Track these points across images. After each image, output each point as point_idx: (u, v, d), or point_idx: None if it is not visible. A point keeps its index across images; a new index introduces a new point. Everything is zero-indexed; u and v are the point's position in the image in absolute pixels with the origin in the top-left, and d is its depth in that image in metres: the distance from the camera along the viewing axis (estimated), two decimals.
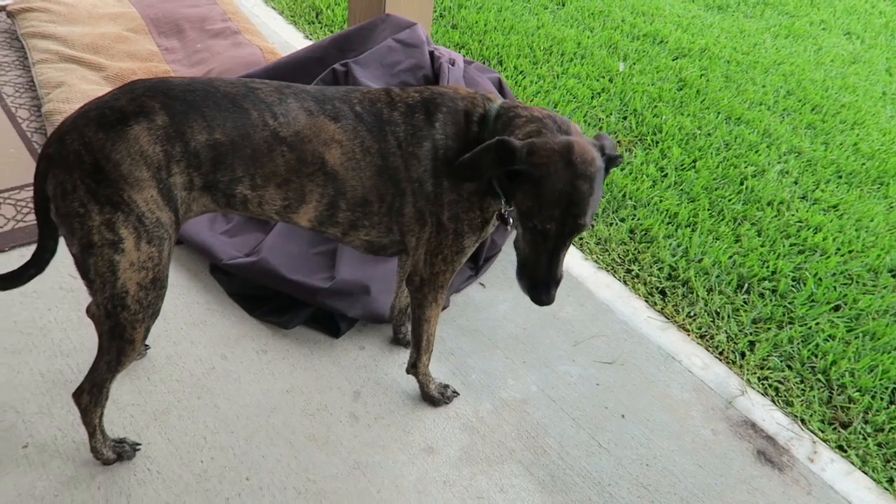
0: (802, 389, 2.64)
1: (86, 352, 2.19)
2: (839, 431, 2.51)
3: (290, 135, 1.62)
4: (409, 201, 1.77)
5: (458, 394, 2.33)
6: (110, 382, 1.74)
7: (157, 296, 1.61)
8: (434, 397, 2.27)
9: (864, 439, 2.48)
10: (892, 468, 2.41)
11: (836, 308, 3.03)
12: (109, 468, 1.89)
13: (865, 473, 2.37)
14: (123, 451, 1.91)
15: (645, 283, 3.02)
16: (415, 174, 1.73)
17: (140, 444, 1.95)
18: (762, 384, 2.64)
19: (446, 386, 2.31)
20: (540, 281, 1.62)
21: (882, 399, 2.62)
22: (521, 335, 2.64)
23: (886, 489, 2.33)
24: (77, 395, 1.74)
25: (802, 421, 2.51)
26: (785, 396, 2.60)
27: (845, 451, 2.44)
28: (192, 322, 2.41)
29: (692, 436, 2.37)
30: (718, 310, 2.93)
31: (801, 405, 2.57)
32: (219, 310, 2.49)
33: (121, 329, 1.60)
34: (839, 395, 2.63)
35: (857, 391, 2.63)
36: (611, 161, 1.62)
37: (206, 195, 1.61)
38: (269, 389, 2.22)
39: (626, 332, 2.74)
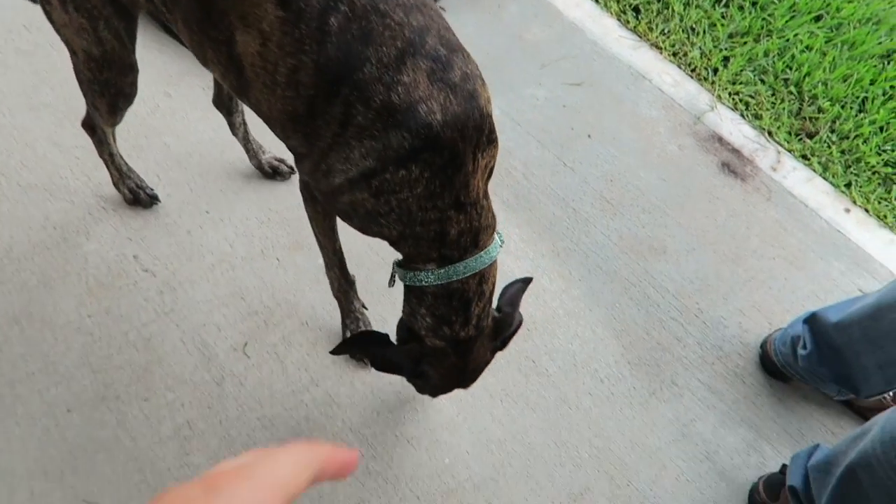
0: (773, 102, 2.58)
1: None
2: (804, 142, 2.50)
3: None
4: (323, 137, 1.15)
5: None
6: (103, 131, 1.68)
7: (115, 77, 1.47)
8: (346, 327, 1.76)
9: (829, 147, 2.48)
10: (851, 173, 2.44)
11: (818, 18, 2.86)
12: (65, 209, 1.84)
13: (825, 179, 2.41)
14: (139, 197, 1.87)
15: (618, 1, 2.79)
16: (331, 136, 1.11)
17: (159, 200, 1.89)
18: (733, 99, 2.57)
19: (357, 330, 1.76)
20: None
21: (851, 108, 2.58)
22: (485, 60, 2.48)
23: (843, 193, 2.38)
24: (84, 125, 1.71)
25: (770, 133, 2.49)
26: (755, 110, 2.55)
27: (808, 160, 2.45)
28: None
29: (658, 151, 2.35)
30: (694, 25, 2.76)
31: (770, 118, 2.52)
32: (156, 47, 2.28)
33: (85, 92, 1.52)
34: (809, 105, 2.57)
35: (829, 101, 2.58)
36: (503, 345, 1.39)
37: None
38: (219, 126, 2.10)
39: (596, 52, 2.59)
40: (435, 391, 1.41)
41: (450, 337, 1.24)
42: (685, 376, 1.88)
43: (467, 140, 1.05)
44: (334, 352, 1.28)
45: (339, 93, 1.03)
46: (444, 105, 1.02)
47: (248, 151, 1.96)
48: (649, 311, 1.98)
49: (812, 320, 1.78)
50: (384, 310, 1.83)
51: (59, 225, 1.82)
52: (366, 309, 1.78)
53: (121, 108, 1.58)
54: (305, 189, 1.39)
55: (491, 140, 1.11)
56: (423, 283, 1.19)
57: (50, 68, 2.07)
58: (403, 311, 1.30)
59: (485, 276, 1.21)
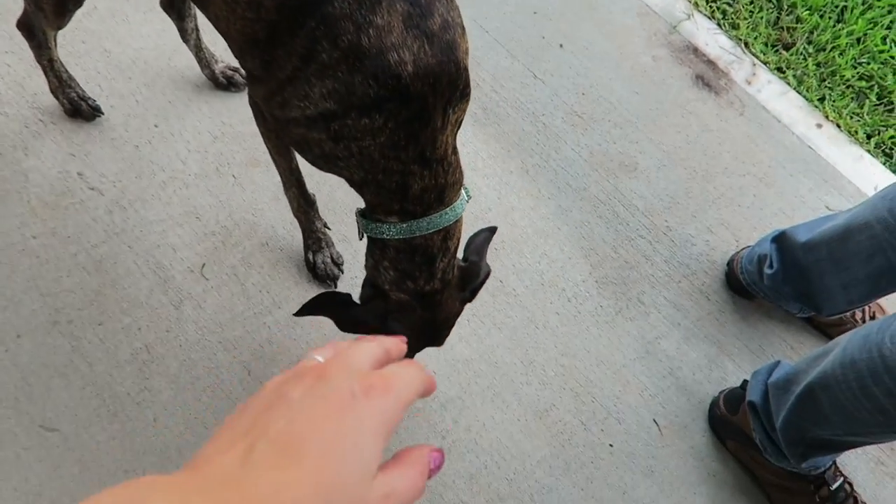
0: (751, 11, 2.48)
1: None
2: (780, 54, 2.43)
3: None
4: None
5: (340, 273, 1.73)
6: (44, 34, 1.54)
7: None
8: (309, 263, 1.71)
9: (804, 59, 2.42)
10: (825, 87, 2.39)
11: None
12: (2, 134, 1.70)
13: (799, 93, 2.36)
14: (80, 109, 1.72)
15: None
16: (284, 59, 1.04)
17: (102, 113, 1.75)
18: (709, 7, 2.47)
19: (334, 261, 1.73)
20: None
21: (830, 18, 2.50)
22: None
23: (816, 107, 2.34)
24: (19, 26, 1.55)
25: (746, 44, 2.41)
26: (732, 20, 2.46)
27: (783, 73, 2.39)
28: None
29: (631, 63, 2.26)
30: None
31: (747, 27, 2.44)
32: None
33: None
34: (788, 15, 2.49)
35: (807, 10, 2.49)
36: (471, 296, 1.30)
37: None
38: (165, 30, 1.94)
39: None
40: (407, 351, 1.32)
41: (414, 291, 1.17)
42: (652, 294, 1.88)
43: (438, 95, 0.96)
44: (298, 314, 1.20)
45: (305, 25, 0.93)
46: (417, 56, 0.92)
47: (199, 61, 1.82)
48: (618, 230, 1.95)
49: (780, 239, 1.78)
50: (347, 230, 1.77)
51: None
52: (328, 229, 1.71)
53: (70, 10, 1.43)
54: (255, 106, 1.29)
55: (464, 95, 1.02)
56: (385, 236, 1.12)
57: None
58: (366, 265, 1.23)
59: (450, 233, 1.14)
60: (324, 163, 1.11)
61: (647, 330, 1.83)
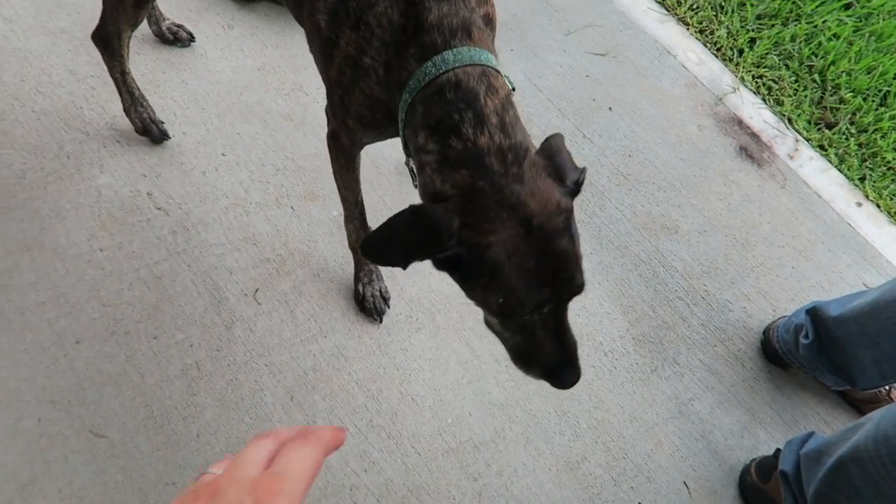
0: (795, 89, 2.56)
1: None
2: (823, 132, 2.49)
3: None
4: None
5: (387, 308, 1.74)
6: (118, 40, 1.63)
7: None
8: (358, 296, 1.72)
9: (847, 139, 2.47)
10: (867, 167, 2.44)
11: (848, 6, 2.82)
12: (79, 140, 1.81)
13: (840, 171, 2.41)
14: (150, 130, 1.82)
15: None
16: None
17: (169, 136, 1.86)
18: (756, 82, 2.54)
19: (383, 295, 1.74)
20: (556, 366, 1.06)
21: (873, 101, 2.57)
22: (511, 21, 2.44)
23: (857, 186, 2.38)
24: (94, 37, 1.66)
25: (789, 120, 2.47)
26: (777, 95, 2.53)
27: (825, 150, 2.44)
28: None
29: (677, 130, 2.33)
30: (723, 3, 2.71)
31: (792, 104, 2.51)
32: None
33: None
34: (832, 95, 2.56)
35: (851, 92, 2.56)
36: (576, 188, 1.02)
37: None
38: (239, 66, 2.06)
39: (623, 23, 2.55)
40: (512, 297, 0.93)
41: (467, 153, 0.88)
42: (687, 356, 1.91)
43: None
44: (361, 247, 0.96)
45: None
46: None
47: (147, 18, 1.97)
48: (657, 290, 1.99)
49: (814, 311, 1.80)
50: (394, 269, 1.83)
51: (73, 155, 1.79)
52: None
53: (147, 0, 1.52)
54: (333, 139, 1.37)
55: None
56: (412, 95, 0.93)
57: None
58: (415, 182, 0.99)
59: (490, 77, 0.92)
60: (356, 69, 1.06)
61: (681, 391, 1.85)
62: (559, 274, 0.94)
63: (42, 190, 1.72)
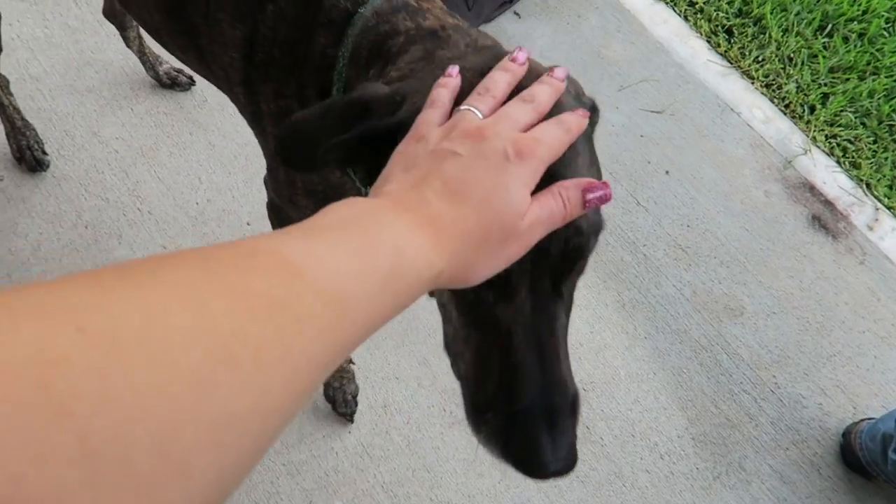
0: (874, 151, 2.33)
1: None
2: None
3: None
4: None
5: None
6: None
7: None
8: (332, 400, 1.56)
9: None
10: None
11: None
12: (98, 207, 1.71)
13: None
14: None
15: (709, 20, 2.56)
16: (219, 58, 0.99)
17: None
18: (829, 143, 2.33)
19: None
20: (522, 419, 0.56)
21: None
22: None
23: None
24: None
25: (868, 185, 2.25)
26: (853, 157, 2.30)
27: None
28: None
29: (742, 197, 2.13)
30: (792, 55, 2.51)
31: (870, 168, 2.28)
32: None
33: None
34: None
35: None
36: (593, 113, 0.69)
37: None
38: None
39: (681, 76, 2.37)
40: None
41: (410, 40, 0.73)
42: (755, 460, 1.69)
43: None
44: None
45: None
46: None
47: (144, 63, 1.88)
48: (720, 381, 1.78)
49: None
50: (368, 364, 1.67)
51: (91, 224, 1.69)
52: (353, 364, 1.60)
53: None
54: (275, 213, 1.20)
55: None
56: (343, 60, 0.79)
57: (96, 48, 1.93)
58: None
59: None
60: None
61: (748, 502, 1.63)
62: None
63: (56, 262, 1.63)
